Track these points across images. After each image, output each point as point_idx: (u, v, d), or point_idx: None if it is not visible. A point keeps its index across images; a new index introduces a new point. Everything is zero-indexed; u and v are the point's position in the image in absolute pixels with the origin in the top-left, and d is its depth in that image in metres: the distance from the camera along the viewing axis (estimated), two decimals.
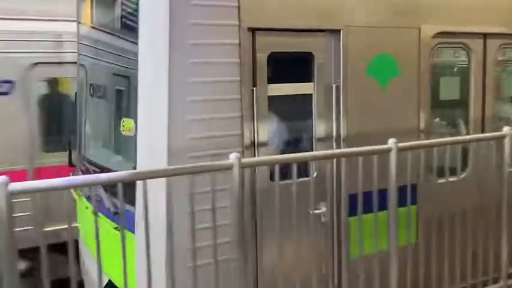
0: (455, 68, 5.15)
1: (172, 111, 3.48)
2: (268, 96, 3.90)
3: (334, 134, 4.16)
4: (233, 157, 3.02)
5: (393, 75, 4.37)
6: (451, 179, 4.17)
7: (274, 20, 3.83)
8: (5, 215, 2.41)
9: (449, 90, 4.95)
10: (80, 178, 3.67)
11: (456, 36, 4.75)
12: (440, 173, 4.17)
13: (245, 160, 3.21)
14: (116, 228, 3.74)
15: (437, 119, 4.96)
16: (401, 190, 3.88)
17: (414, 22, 4.45)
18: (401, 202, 3.81)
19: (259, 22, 3.77)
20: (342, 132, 4.16)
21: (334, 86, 4.12)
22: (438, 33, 4.57)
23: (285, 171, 3.51)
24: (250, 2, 3.71)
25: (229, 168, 3.03)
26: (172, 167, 3.21)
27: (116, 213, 3.73)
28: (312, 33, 4.02)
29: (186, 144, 3.52)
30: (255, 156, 3.82)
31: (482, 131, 4.94)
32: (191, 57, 3.51)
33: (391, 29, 4.34)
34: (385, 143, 3.71)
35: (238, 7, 3.64)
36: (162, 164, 3.46)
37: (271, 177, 3.77)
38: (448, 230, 4.14)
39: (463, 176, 4.76)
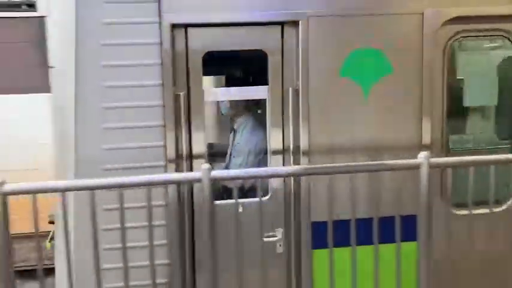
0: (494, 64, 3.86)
1: (81, 119, 3.23)
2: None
3: (292, 146, 3.45)
4: (204, 167, 2.62)
5: (381, 75, 3.45)
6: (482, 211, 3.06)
7: (209, 14, 3.30)
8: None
9: (482, 93, 3.74)
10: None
11: (489, 21, 3.55)
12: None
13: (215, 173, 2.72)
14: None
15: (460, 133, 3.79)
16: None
17: (414, 6, 3.44)
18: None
19: (188, 18, 3.28)
20: (302, 145, 3.42)
21: (290, 89, 3.41)
22: (454, 19, 3.48)
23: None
24: None
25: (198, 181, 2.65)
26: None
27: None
28: (260, 27, 3.38)
29: (99, 155, 3.24)
30: (182, 171, 3.36)
31: None
32: (103, 59, 3.21)
33: (377, 16, 3.42)
34: (367, 159, 3.06)
35: (159, 1, 3.21)
36: (70, 176, 3.24)
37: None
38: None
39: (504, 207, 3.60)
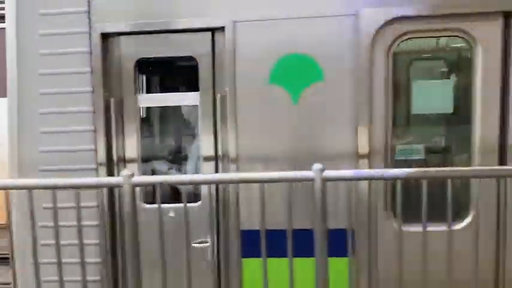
0: (446, 68, 3.49)
1: (23, 123, 3.49)
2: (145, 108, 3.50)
3: (220, 153, 3.42)
4: (124, 173, 2.77)
5: (311, 82, 3.29)
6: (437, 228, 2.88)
7: (140, 22, 3.38)
8: None
9: (432, 100, 3.40)
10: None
11: (438, 21, 3.23)
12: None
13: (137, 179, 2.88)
14: None
15: (405, 142, 3.47)
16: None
17: (345, 7, 3.23)
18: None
19: (118, 27, 3.39)
20: (230, 152, 3.38)
21: (218, 96, 3.38)
22: (398, 19, 3.21)
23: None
24: (104, 5, 3.37)
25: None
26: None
27: None
28: (191, 33, 3.38)
29: (37, 157, 3.47)
30: (113, 175, 3.47)
31: (502, 161, 3.25)
32: (40, 68, 3.43)
33: (306, 19, 3.26)
34: (296, 168, 2.98)
35: (89, 12, 3.36)
36: (15, 176, 3.51)
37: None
38: None
39: (463, 224, 3.29)
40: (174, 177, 3.35)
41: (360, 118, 3.26)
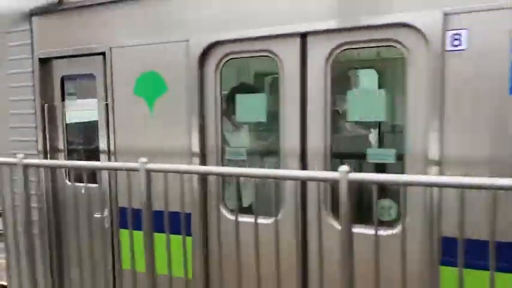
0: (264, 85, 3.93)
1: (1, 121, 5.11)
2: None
3: (106, 148, 4.52)
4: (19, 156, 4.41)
5: (160, 94, 4.17)
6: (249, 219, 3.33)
7: (60, 50, 4.68)
8: None
9: (251, 110, 3.94)
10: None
11: (251, 43, 3.80)
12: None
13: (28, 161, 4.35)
14: None
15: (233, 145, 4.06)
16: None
17: (180, 35, 4.02)
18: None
19: (50, 54, 4.73)
20: (112, 147, 4.46)
21: (104, 104, 4.48)
22: (217, 43, 3.89)
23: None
24: (41, 38, 4.74)
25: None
26: None
27: None
28: (91, 56, 4.54)
29: (8, 144, 5.05)
30: (47, 158, 4.85)
31: (303, 164, 3.71)
32: (9, 82, 4.98)
33: (155, 45, 4.14)
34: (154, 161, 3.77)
35: (32, 44, 4.77)
36: None
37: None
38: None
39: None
40: (69, 163, 4.54)
41: (193, 125, 4.03)
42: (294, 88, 3.67)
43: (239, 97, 3.97)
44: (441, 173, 3.16)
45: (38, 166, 4.44)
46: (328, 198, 3.59)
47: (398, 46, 3.32)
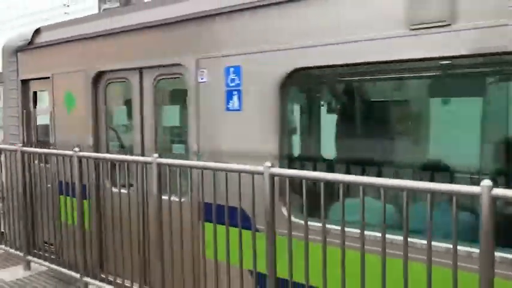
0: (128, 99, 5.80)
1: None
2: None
3: (53, 141, 6.77)
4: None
5: (74, 106, 6.30)
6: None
7: (31, 75, 7.03)
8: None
9: (122, 118, 5.89)
10: None
11: (118, 73, 5.75)
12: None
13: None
14: None
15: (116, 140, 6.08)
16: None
17: (82, 66, 6.09)
18: None
19: (27, 77, 7.10)
20: (54, 141, 6.70)
21: (50, 111, 6.73)
22: (101, 72, 5.91)
23: None
24: (22, 67, 7.13)
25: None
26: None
27: None
28: (45, 79, 6.80)
29: (6, 139, 7.54)
30: None
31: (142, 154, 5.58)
32: (8, 95, 7.47)
33: (71, 73, 6.27)
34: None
35: (17, 70, 7.19)
36: None
37: None
38: None
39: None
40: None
41: (90, 126, 6.09)
42: (136, 103, 5.56)
43: (112, 109, 5.96)
44: (199, 159, 4.83)
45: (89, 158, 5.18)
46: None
47: (182, 77, 5.05)
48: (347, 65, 3.82)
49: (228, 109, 4.57)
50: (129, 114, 5.77)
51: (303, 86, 4.34)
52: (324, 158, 4.94)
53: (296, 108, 4.51)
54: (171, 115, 5.30)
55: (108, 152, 5.98)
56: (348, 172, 4.13)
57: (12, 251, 6.29)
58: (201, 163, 4.12)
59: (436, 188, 2.72)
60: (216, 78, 4.63)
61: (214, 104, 4.66)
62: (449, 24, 3.25)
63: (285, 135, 4.29)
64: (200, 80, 4.78)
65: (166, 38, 5.11)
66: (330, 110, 4.79)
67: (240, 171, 3.65)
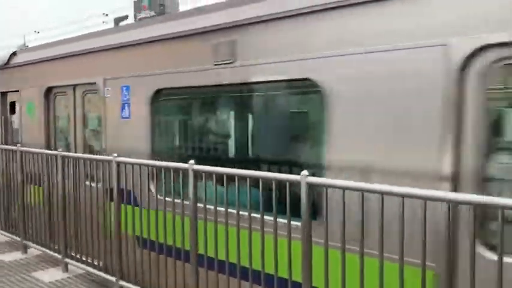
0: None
1: None
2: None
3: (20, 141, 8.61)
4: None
5: (32, 113, 8.15)
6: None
7: (8, 89, 8.92)
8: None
9: (64, 123, 7.69)
10: None
11: (60, 88, 7.59)
12: None
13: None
14: None
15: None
16: None
17: (38, 82, 7.90)
18: None
19: (5, 90, 9.01)
20: (20, 140, 8.54)
21: (18, 117, 8.59)
22: (50, 87, 7.72)
23: None
24: (1, 82, 9.02)
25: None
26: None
27: None
28: (16, 92, 8.69)
29: None
30: None
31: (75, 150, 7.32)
32: None
33: (31, 88, 8.11)
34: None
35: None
36: None
37: None
38: None
39: None
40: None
41: (42, 128, 7.88)
42: (71, 111, 7.35)
43: (58, 115, 7.78)
44: (105, 154, 6.51)
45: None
46: None
47: (97, 92, 6.76)
48: (185, 87, 5.45)
49: (122, 117, 6.25)
50: (68, 119, 7.53)
51: (163, 101, 5.95)
52: (174, 152, 6.45)
53: (159, 116, 6.03)
54: (92, 121, 7.04)
55: (56, 148, 7.74)
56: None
57: (51, 253, 6.37)
58: (235, 170, 4.01)
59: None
60: (115, 94, 6.33)
61: (114, 113, 6.36)
62: (232, 62, 4.85)
63: (155, 136, 5.93)
64: (106, 95, 6.49)
65: (88, 63, 6.86)
66: (176, 118, 6.45)
67: (276, 180, 3.64)
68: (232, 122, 5.97)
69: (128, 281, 5.08)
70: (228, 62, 4.86)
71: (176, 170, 4.44)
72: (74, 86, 7.26)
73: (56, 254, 6.24)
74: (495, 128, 3.37)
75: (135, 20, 7.23)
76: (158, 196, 5.18)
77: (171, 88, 5.62)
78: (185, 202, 4.36)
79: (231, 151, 5.93)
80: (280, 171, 4.62)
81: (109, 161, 4.66)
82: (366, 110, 3.80)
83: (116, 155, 5.09)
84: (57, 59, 7.50)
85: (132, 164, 4.93)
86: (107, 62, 6.48)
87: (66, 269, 6.09)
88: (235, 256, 3.88)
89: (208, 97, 5.84)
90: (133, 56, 6.08)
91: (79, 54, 6.99)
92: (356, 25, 3.85)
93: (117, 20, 7.56)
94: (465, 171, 3.32)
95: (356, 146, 3.87)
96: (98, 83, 6.63)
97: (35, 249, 6.76)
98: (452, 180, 3.34)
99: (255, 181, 3.79)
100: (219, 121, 6.09)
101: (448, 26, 3.35)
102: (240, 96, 5.60)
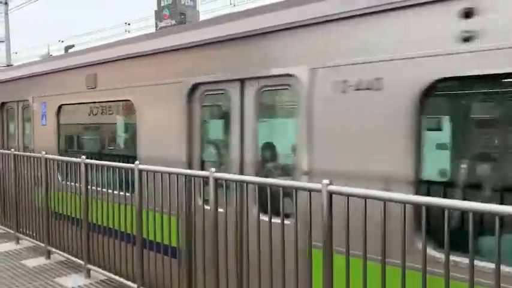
0: None
1: None
2: None
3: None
4: None
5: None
6: None
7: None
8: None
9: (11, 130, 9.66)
10: None
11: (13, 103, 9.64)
12: None
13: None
14: None
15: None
16: None
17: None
18: None
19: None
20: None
21: None
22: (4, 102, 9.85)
23: None
24: None
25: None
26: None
27: None
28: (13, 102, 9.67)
29: None
30: None
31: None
32: None
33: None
34: None
35: None
36: None
37: None
38: None
39: None
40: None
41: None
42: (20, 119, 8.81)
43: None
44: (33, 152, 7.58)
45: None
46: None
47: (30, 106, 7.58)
48: (73, 104, 7.80)
49: (42, 124, 8.35)
50: (13, 127, 9.72)
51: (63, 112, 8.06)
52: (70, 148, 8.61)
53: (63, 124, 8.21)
54: (27, 127, 9.24)
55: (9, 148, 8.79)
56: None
57: (74, 259, 6.43)
58: (257, 178, 4.12)
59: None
60: (39, 107, 8.46)
61: (38, 121, 8.47)
62: (94, 88, 7.06)
63: (61, 138, 8.11)
64: (33, 109, 8.66)
65: (25, 85, 8.92)
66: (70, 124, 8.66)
67: (297, 188, 3.65)
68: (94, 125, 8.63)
69: None
70: (92, 87, 7.15)
71: (198, 178, 4.62)
72: (18, 102, 9.44)
73: (78, 260, 6.30)
74: None
75: (156, 29, 7.93)
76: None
77: (67, 104, 7.92)
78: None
79: (96, 145, 8.64)
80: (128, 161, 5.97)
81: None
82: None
83: (137, 162, 5.14)
84: (8, 81, 9.63)
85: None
86: (34, 85, 8.70)
87: (88, 275, 6.14)
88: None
89: (85, 110, 8.09)
90: (47, 81, 8.33)
91: (19, 79, 9.20)
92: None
93: (67, 48, 8.87)
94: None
95: None
96: (29, 100, 8.77)
97: (58, 255, 6.85)
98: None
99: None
100: (90, 126, 8.74)
101: None
102: (100, 108, 7.81)
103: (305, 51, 4.28)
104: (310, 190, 3.49)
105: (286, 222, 3.69)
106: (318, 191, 3.33)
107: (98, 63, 6.97)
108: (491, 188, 3.89)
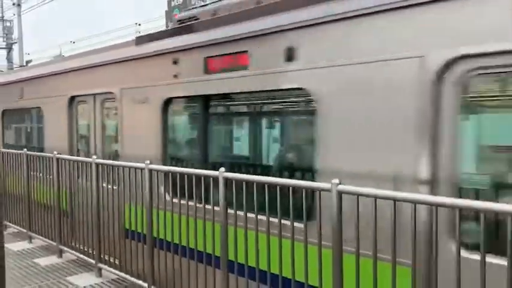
0: None
1: None
2: None
3: None
4: None
5: None
6: None
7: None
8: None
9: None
10: None
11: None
12: None
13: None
14: None
15: None
16: None
17: None
18: None
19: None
20: None
21: None
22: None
23: None
24: None
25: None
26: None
27: None
28: None
29: None
30: None
31: None
32: None
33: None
34: None
35: None
36: None
37: None
38: None
39: None
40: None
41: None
42: None
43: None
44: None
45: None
46: None
47: None
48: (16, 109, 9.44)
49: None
50: None
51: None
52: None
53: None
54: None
55: None
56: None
57: (85, 258, 6.47)
58: (266, 178, 4.09)
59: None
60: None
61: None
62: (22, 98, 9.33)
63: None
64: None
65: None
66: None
67: (306, 188, 3.62)
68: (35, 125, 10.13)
69: (160, 287, 5.12)
70: (21, 98, 9.87)
71: (206, 177, 4.57)
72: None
73: (90, 259, 6.36)
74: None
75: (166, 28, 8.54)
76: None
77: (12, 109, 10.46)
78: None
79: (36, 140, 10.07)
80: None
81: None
82: None
83: (148, 162, 5.20)
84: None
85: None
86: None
87: (99, 274, 6.18)
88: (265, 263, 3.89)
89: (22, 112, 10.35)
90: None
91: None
92: None
93: (27, 62, 9.58)
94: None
95: None
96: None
97: (70, 254, 6.90)
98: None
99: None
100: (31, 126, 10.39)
101: None
102: (32, 110, 9.94)
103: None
104: (319, 190, 3.54)
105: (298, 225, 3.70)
106: (328, 190, 3.35)
107: (25, 80, 9.84)
108: None
